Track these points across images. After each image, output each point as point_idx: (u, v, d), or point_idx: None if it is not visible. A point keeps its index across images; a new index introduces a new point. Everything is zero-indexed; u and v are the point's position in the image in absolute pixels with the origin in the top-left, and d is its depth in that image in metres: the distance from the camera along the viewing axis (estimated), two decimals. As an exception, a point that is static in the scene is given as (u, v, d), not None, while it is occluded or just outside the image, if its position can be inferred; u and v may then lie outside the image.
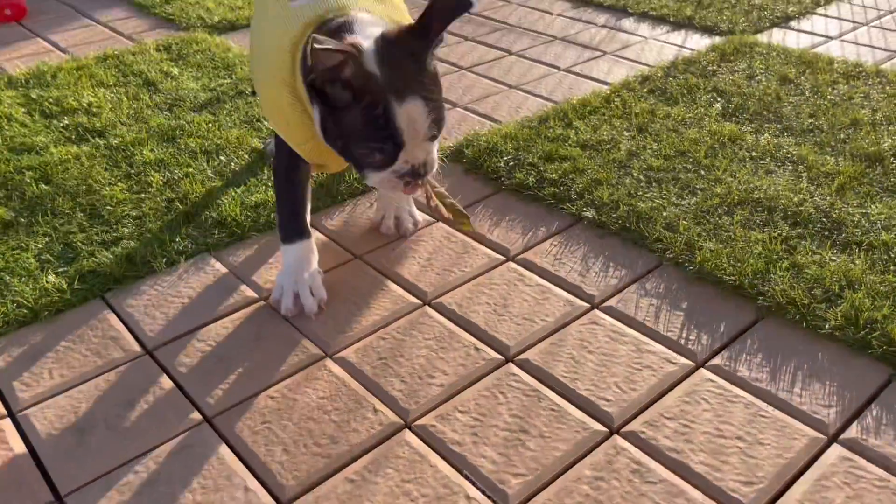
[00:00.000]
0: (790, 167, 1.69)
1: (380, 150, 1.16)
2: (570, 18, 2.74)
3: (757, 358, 1.20)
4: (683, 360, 1.20)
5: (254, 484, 1.02)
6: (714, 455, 1.04)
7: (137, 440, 1.08)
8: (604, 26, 2.65)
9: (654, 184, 1.63)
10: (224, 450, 1.07)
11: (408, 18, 1.33)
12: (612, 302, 1.34)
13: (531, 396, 1.15)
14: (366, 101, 1.12)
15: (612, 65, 2.32)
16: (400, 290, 1.38)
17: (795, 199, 1.56)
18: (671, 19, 2.67)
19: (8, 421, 1.12)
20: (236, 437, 1.09)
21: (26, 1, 2.89)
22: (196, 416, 1.12)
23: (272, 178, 1.57)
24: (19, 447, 1.08)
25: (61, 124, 1.93)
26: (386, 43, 1.14)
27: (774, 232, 1.46)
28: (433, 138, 1.19)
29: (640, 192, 1.60)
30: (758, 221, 1.50)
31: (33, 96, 2.10)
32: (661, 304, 1.32)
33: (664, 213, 1.52)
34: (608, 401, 1.13)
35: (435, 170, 1.23)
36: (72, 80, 2.20)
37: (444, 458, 1.05)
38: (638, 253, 1.46)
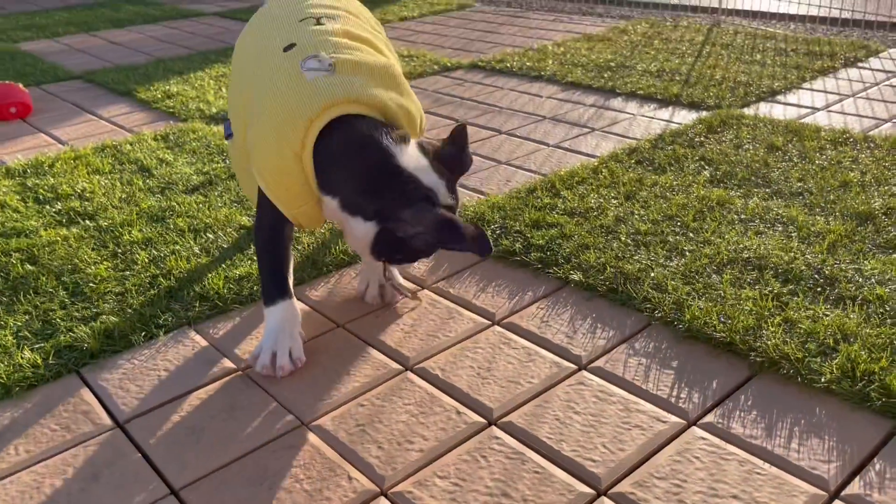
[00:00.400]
0: (780, 228, 1.67)
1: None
2: (560, 100, 2.80)
3: (751, 414, 1.15)
4: (674, 419, 1.15)
5: (217, 557, 0.96)
6: (708, 515, 0.97)
7: (99, 515, 1.03)
8: (592, 105, 2.70)
9: (641, 247, 1.61)
10: (188, 522, 1.01)
11: (413, 102, 1.41)
12: (599, 363, 1.29)
13: (514, 459, 1.09)
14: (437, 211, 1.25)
15: (600, 140, 2.35)
16: (382, 357, 1.34)
17: (786, 257, 1.53)
18: (658, 97, 2.72)
19: (-33, 498, 1.07)
20: (202, 509, 1.03)
21: (31, 99, 2.99)
22: (162, 488, 1.07)
23: (255, 243, 1.57)
24: (-25, 525, 1.02)
25: (53, 209, 1.95)
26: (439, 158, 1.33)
27: (765, 289, 1.42)
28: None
29: (628, 255, 1.58)
30: (748, 280, 1.47)
31: (29, 184, 2.13)
32: (651, 364, 1.28)
33: (652, 274, 1.49)
34: (595, 461, 1.07)
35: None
36: (68, 168, 2.24)
37: (420, 525, 0.99)
38: (626, 313, 1.42)
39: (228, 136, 1.62)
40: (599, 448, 1.10)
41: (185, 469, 1.10)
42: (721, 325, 1.32)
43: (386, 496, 1.04)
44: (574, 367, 1.29)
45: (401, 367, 1.31)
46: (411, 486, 1.05)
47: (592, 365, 1.29)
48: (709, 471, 1.04)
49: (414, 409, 1.20)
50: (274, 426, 1.18)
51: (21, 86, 3.00)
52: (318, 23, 1.43)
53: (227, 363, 1.34)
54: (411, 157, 1.28)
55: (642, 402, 1.19)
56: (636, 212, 1.77)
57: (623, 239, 1.64)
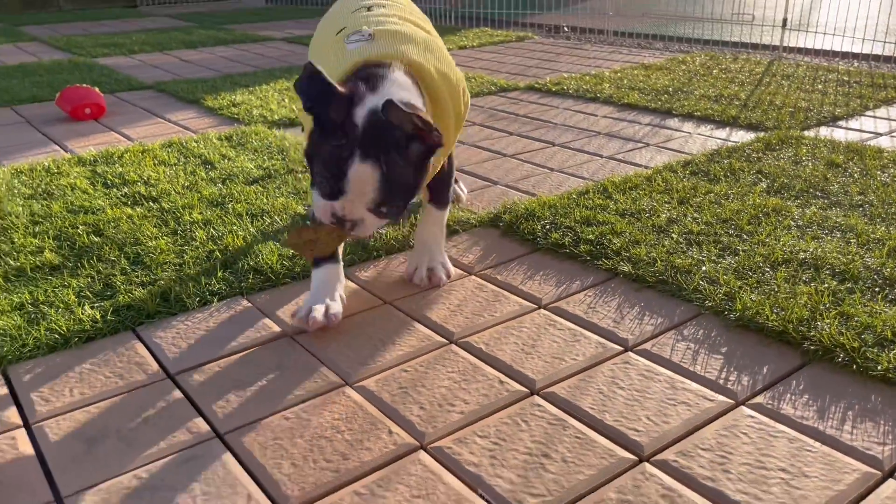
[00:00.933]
0: (838, 234, 1.64)
1: (327, 181, 1.21)
2: (615, 119, 2.81)
3: (802, 398, 1.12)
4: (721, 398, 1.13)
5: (257, 493, 0.97)
6: (754, 485, 0.95)
7: (145, 451, 1.05)
8: (648, 124, 2.70)
9: (693, 245, 1.59)
10: (231, 462, 1.03)
11: (454, 70, 1.41)
12: (646, 346, 1.28)
13: (555, 425, 1.08)
14: (341, 142, 1.19)
15: (654, 153, 2.34)
16: (427, 331, 1.35)
17: (844, 259, 1.50)
18: (716, 118, 2.71)
19: (22, 431, 1.11)
20: (245, 451, 1.05)
21: (105, 102, 3.14)
22: (208, 432, 1.09)
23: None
24: (28, 452, 1.06)
25: (120, 192, 2.03)
26: (383, 113, 1.17)
27: (821, 286, 1.39)
28: (377, 212, 1.24)
29: (679, 251, 1.56)
30: (803, 278, 1.44)
31: (98, 171, 2.23)
32: (699, 349, 1.26)
33: (703, 268, 1.47)
34: (638, 431, 1.06)
35: (363, 236, 1.29)
36: (136, 159, 2.34)
37: (458, 477, 0.99)
38: (675, 303, 1.40)
39: None
40: (643, 420, 1.08)
41: (230, 417, 1.12)
42: (774, 315, 1.29)
43: (425, 449, 1.04)
44: (620, 348, 1.27)
45: (445, 340, 1.32)
46: (451, 443, 1.05)
47: (639, 347, 1.27)
48: (756, 445, 1.02)
49: (457, 377, 1.20)
50: (318, 385, 1.20)
51: (97, 89, 3.15)
52: (369, 10, 1.49)
53: (276, 328, 1.37)
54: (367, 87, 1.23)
55: (689, 381, 1.17)
56: (689, 214, 1.76)
57: (675, 237, 1.63)
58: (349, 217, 1.24)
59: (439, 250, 1.55)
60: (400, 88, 1.26)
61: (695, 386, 1.16)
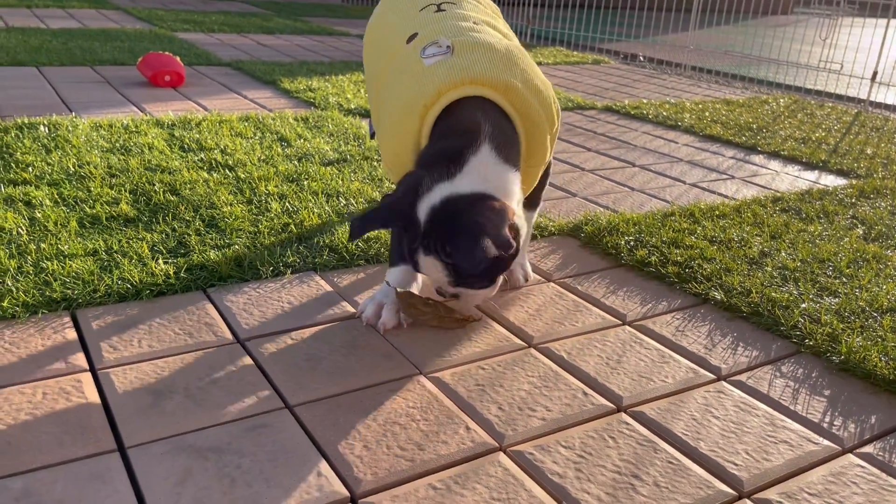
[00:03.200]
0: (944, 290, 1.53)
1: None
2: (697, 148, 2.72)
3: (917, 454, 1.02)
4: (826, 443, 1.04)
5: (327, 470, 0.91)
6: (869, 540, 0.86)
7: (213, 412, 1.00)
8: (732, 157, 2.61)
9: (790, 281, 1.51)
10: (300, 435, 0.97)
11: (540, 77, 1.30)
12: (741, 377, 1.19)
13: (645, 446, 1.00)
14: (410, 235, 1.17)
15: (740, 186, 2.26)
16: (504, 331, 1.29)
17: (953, 315, 1.39)
18: (803, 160, 2.61)
19: (88, 375, 1.07)
20: (315, 427, 0.99)
21: (185, 71, 3.15)
22: (277, 402, 1.04)
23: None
24: (93, 398, 1.02)
25: (196, 157, 2.01)
26: (446, 205, 1.13)
27: (931, 340, 1.29)
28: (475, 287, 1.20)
29: (775, 285, 1.47)
30: (910, 329, 1.34)
31: (176, 134, 2.22)
32: (799, 388, 1.17)
33: (802, 305, 1.39)
34: (737, 465, 0.97)
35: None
36: (213, 128, 2.32)
37: (540, 484, 0.92)
38: (771, 338, 1.32)
39: (372, 135, 1.64)
40: (741, 454, 1.00)
41: (301, 390, 1.07)
42: (882, 363, 1.20)
43: (505, 452, 0.97)
44: (712, 376, 1.19)
45: (524, 343, 1.25)
46: (532, 449, 0.98)
47: (733, 378, 1.19)
48: (868, 497, 0.93)
49: (537, 382, 1.14)
50: (391, 369, 1.14)
51: (178, 58, 3.17)
52: (439, 9, 1.42)
53: (348, 307, 1.32)
54: (471, 172, 1.16)
55: (789, 420, 1.08)
56: (783, 250, 1.67)
57: (769, 270, 1.54)
58: (443, 292, 1.25)
59: (522, 251, 1.49)
60: (486, 170, 1.17)
61: (796, 426, 1.07)
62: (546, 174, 1.44)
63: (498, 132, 1.19)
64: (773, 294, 1.42)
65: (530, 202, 1.45)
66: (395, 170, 1.32)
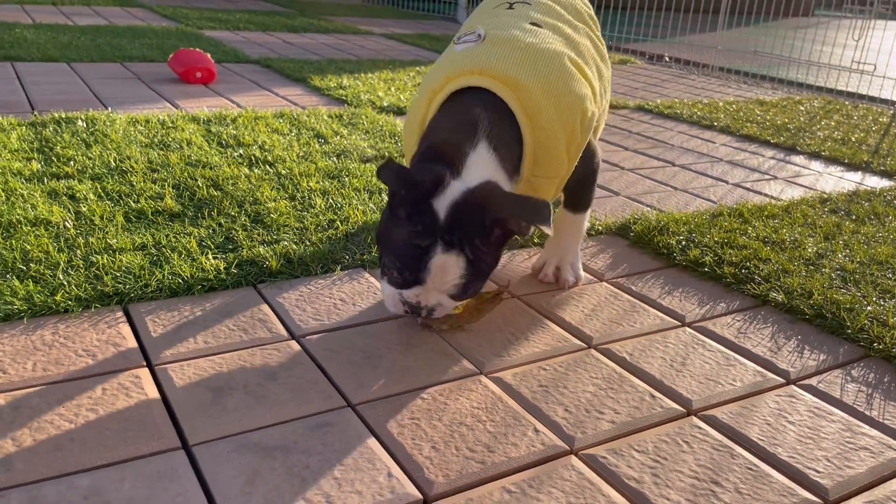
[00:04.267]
0: None
1: (400, 272, 1.11)
2: (735, 148, 2.68)
3: None
4: (908, 450, 1.00)
5: (397, 472, 0.88)
6: (968, 552, 0.82)
7: (276, 410, 0.98)
8: (772, 158, 2.57)
9: (850, 283, 1.47)
10: (366, 435, 0.94)
11: (577, 86, 1.23)
12: (811, 381, 1.16)
13: (721, 451, 0.97)
14: (417, 228, 1.08)
15: (784, 187, 2.21)
16: (561, 331, 1.25)
17: None
18: (846, 161, 2.56)
19: (146, 370, 1.05)
20: (380, 426, 0.96)
21: (216, 68, 3.14)
22: (339, 400, 1.01)
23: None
24: (153, 393, 0.99)
25: (235, 153, 2.00)
26: (470, 195, 1.09)
27: None
28: (453, 297, 1.14)
29: (836, 287, 1.43)
30: (980, 334, 1.30)
31: (213, 130, 2.20)
32: (873, 393, 1.13)
33: (868, 308, 1.35)
34: (819, 472, 0.94)
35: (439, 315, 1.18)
36: (249, 124, 2.30)
37: (617, 490, 0.88)
38: (837, 341, 1.28)
39: None
40: (822, 461, 0.96)
41: (361, 388, 1.04)
42: (957, 368, 1.16)
43: (577, 455, 0.94)
44: (781, 380, 1.16)
45: (583, 344, 1.22)
46: (605, 452, 0.95)
47: (802, 382, 1.16)
48: (961, 508, 0.89)
49: (602, 384, 1.10)
50: (451, 369, 1.11)
51: (209, 55, 3.15)
52: (510, 7, 1.40)
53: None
54: (473, 165, 1.12)
55: (866, 426, 1.05)
56: (838, 251, 1.63)
57: (827, 272, 1.50)
58: (425, 304, 1.14)
59: (571, 251, 1.45)
60: (483, 169, 1.13)
61: (875, 432, 1.03)
62: (591, 174, 1.39)
63: (497, 131, 1.16)
64: (835, 296, 1.38)
65: (576, 204, 1.41)
66: (407, 154, 1.32)
